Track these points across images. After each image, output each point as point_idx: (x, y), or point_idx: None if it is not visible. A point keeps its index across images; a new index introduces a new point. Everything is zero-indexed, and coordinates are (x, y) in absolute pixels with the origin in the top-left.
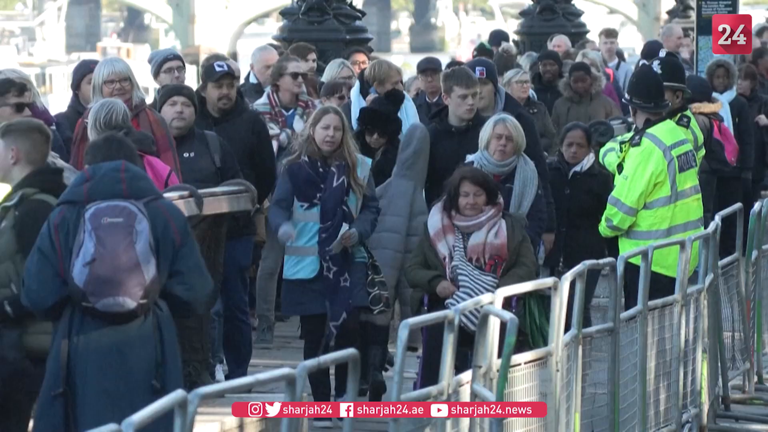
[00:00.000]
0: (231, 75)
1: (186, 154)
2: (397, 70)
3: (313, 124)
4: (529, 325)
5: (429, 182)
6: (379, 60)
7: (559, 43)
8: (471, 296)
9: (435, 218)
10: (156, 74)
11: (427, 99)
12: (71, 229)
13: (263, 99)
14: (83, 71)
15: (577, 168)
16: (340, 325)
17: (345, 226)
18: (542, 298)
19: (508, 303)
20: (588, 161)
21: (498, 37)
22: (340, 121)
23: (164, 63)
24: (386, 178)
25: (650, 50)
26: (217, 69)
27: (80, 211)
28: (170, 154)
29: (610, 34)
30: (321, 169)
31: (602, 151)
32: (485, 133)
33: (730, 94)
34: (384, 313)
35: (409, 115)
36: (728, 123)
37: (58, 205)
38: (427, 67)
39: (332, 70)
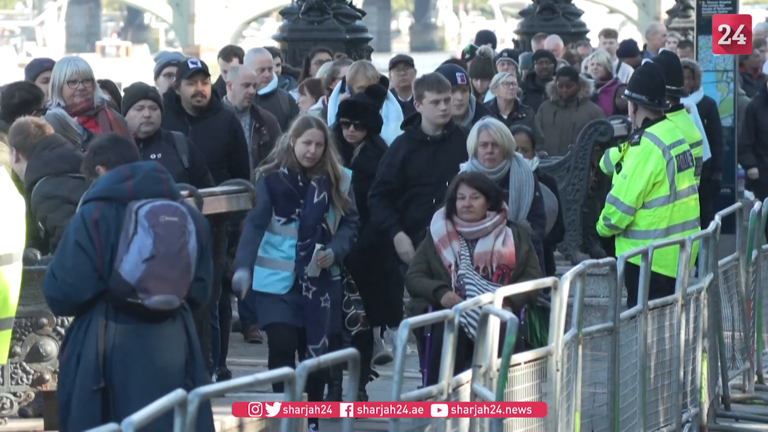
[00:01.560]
0: (204, 72)
1: (153, 155)
2: (367, 76)
3: (294, 135)
4: (529, 338)
5: (401, 193)
6: (359, 61)
7: (553, 46)
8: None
9: (439, 224)
10: (156, 76)
11: (399, 98)
12: (112, 226)
13: (318, 104)
14: (37, 70)
15: None
16: (321, 350)
17: (317, 246)
18: (544, 311)
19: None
20: (533, 164)
21: (484, 37)
22: (323, 136)
23: (166, 67)
24: (365, 179)
25: (625, 49)
26: (191, 66)
27: (120, 208)
28: None
29: (609, 34)
30: (301, 183)
31: (611, 158)
32: (471, 141)
33: (698, 96)
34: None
35: (390, 117)
36: (697, 124)
37: (90, 201)
38: (399, 60)
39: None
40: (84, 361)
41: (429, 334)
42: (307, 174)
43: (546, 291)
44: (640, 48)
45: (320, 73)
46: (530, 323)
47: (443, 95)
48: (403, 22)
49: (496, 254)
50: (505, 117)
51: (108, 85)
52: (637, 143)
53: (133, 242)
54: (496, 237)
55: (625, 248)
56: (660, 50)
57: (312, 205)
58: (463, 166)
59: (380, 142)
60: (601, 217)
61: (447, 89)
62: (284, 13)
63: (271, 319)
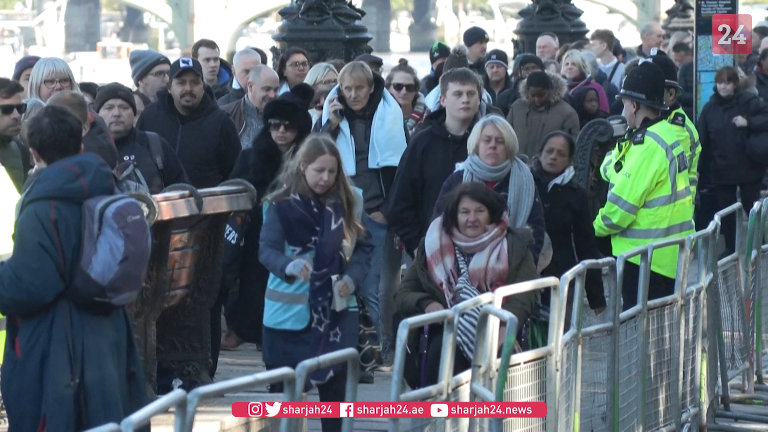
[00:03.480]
0: (193, 71)
1: (126, 157)
2: (353, 77)
3: (305, 161)
4: None
5: (416, 193)
6: (351, 62)
7: (544, 43)
8: (475, 325)
9: (432, 237)
10: (143, 75)
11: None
12: (71, 226)
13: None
14: (22, 66)
15: (558, 180)
16: (326, 386)
17: (334, 278)
18: (546, 326)
19: (518, 334)
20: (569, 173)
21: (473, 35)
22: (336, 162)
23: (156, 65)
24: None
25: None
26: (181, 65)
27: (74, 207)
28: None
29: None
30: (315, 209)
31: (603, 165)
32: (473, 136)
33: None
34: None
35: (386, 119)
36: None
37: (43, 200)
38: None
39: (315, 75)
40: (54, 359)
41: (425, 351)
42: (320, 199)
43: (546, 304)
44: (639, 49)
45: (311, 75)
46: (533, 339)
47: (467, 87)
48: (402, 22)
49: (490, 270)
50: None
51: (90, 88)
52: (641, 142)
53: (100, 243)
54: (491, 251)
55: (623, 248)
56: (653, 50)
57: (330, 233)
58: (460, 166)
59: None
60: (599, 216)
61: (472, 82)
62: (283, 13)
63: (293, 362)
